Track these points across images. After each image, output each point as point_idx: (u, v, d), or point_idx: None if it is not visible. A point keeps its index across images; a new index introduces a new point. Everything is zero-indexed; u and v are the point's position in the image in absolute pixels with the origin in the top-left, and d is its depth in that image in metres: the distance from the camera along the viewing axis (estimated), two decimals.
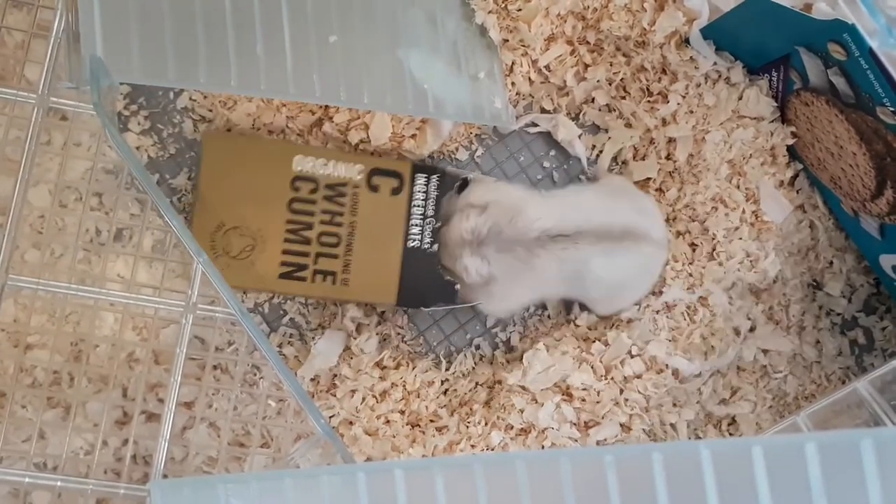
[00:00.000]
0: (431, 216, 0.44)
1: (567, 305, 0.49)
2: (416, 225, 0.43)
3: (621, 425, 0.45)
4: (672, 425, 0.46)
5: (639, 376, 0.46)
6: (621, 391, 0.46)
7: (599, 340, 0.46)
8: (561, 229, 0.43)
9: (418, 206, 0.44)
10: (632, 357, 0.46)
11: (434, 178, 0.44)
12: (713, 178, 0.47)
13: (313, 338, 0.47)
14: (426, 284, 0.44)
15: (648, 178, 0.49)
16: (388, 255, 0.43)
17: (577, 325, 0.48)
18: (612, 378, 0.46)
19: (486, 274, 0.43)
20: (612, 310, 0.47)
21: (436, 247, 0.44)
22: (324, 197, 0.43)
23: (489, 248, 0.43)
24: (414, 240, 0.43)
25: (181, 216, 0.47)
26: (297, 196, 0.43)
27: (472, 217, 0.43)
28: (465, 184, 0.44)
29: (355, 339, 0.47)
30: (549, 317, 0.49)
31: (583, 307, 0.48)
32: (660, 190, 0.49)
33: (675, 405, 0.47)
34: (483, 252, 0.43)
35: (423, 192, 0.44)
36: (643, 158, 0.49)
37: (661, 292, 0.47)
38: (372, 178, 0.43)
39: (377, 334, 0.47)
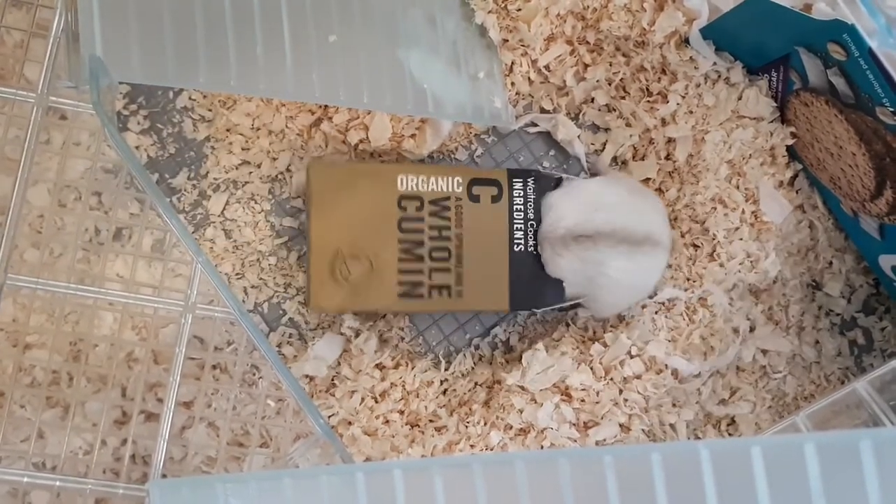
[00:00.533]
0: (532, 219, 0.44)
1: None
2: (520, 229, 0.44)
3: (620, 425, 0.46)
4: (671, 426, 0.46)
5: (638, 377, 0.46)
6: (620, 391, 0.46)
7: (598, 341, 0.46)
8: (584, 229, 0.44)
9: (519, 210, 0.44)
10: (631, 357, 0.46)
11: (530, 181, 0.44)
12: (713, 179, 0.47)
13: (313, 337, 0.47)
14: (535, 286, 0.44)
15: (647, 179, 0.49)
16: (496, 262, 0.44)
17: (575, 325, 0.48)
18: (611, 378, 0.46)
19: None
20: (613, 313, 0.47)
21: (547, 260, 0.44)
22: (430, 213, 0.44)
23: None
24: (518, 244, 0.44)
25: (180, 216, 0.47)
26: (405, 215, 0.43)
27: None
28: (559, 182, 0.45)
29: (354, 340, 0.47)
30: (547, 318, 0.49)
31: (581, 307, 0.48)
32: (659, 190, 0.49)
33: (674, 405, 0.47)
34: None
35: (522, 195, 0.44)
36: (643, 158, 0.49)
37: (654, 294, 0.47)
38: (472, 189, 0.44)
39: (377, 334, 0.47)
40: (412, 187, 0.44)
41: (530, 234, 0.44)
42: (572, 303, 0.45)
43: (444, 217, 0.44)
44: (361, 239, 0.43)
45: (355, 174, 0.44)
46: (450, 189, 0.44)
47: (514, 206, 0.44)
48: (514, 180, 0.44)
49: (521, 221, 0.44)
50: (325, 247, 0.43)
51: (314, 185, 0.43)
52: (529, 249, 0.44)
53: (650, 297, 0.47)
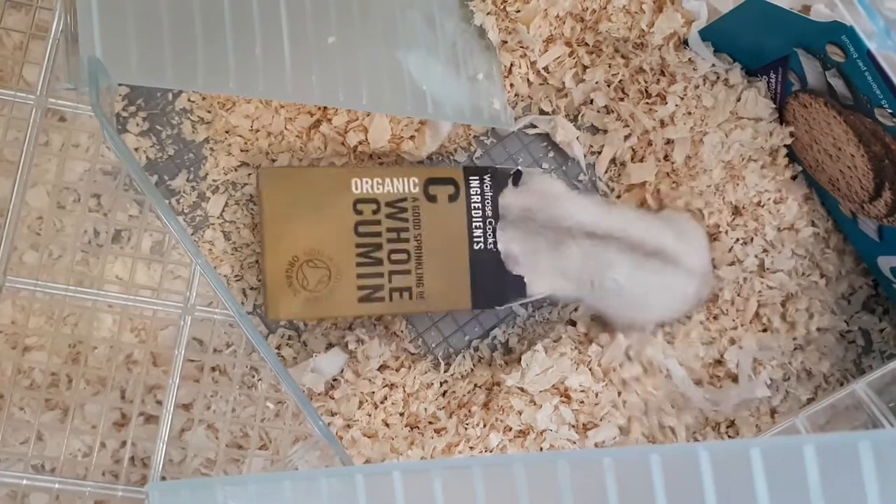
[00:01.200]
0: (491, 216, 0.44)
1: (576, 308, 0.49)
2: (478, 227, 0.44)
3: (619, 427, 0.45)
4: (671, 428, 0.46)
5: (637, 379, 0.46)
6: (619, 393, 0.46)
7: (597, 343, 0.46)
8: (594, 228, 0.44)
9: (477, 208, 0.44)
10: (630, 360, 0.46)
11: (486, 177, 0.44)
12: (710, 179, 0.47)
13: (315, 339, 0.47)
14: (497, 283, 0.44)
15: (644, 182, 0.49)
16: (456, 262, 0.44)
17: (574, 325, 0.48)
18: (610, 380, 0.46)
19: (516, 252, 0.44)
20: (625, 319, 0.47)
21: (500, 246, 0.44)
22: (386, 215, 0.43)
23: (518, 229, 0.43)
24: (478, 242, 0.44)
25: (179, 217, 0.47)
26: (361, 219, 0.43)
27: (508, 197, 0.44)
28: (518, 175, 0.45)
29: (360, 347, 0.47)
30: (546, 319, 0.49)
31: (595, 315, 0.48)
32: (657, 191, 0.49)
33: (673, 407, 0.47)
34: (510, 230, 0.44)
35: (479, 193, 0.44)
36: (641, 160, 0.49)
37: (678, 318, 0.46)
38: (428, 189, 0.44)
39: (377, 336, 0.47)
40: (367, 190, 0.43)
41: (489, 232, 0.44)
42: (535, 298, 0.45)
43: (401, 219, 0.43)
44: (318, 245, 0.42)
45: (308, 179, 0.43)
46: (406, 190, 0.43)
47: (472, 204, 0.44)
48: (471, 178, 0.44)
49: (480, 219, 0.44)
50: (280, 255, 0.42)
51: (265, 192, 0.43)
52: (489, 247, 0.44)
53: (671, 321, 0.47)
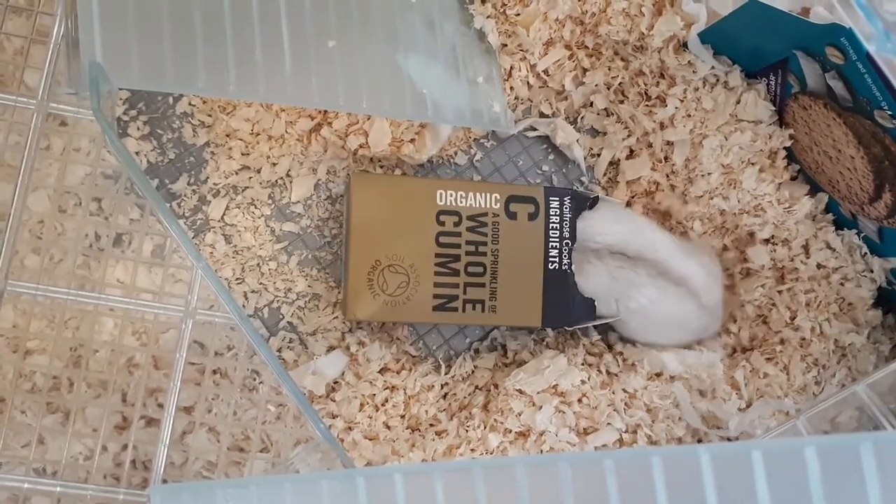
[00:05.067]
0: (568, 237, 0.45)
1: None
2: (555, 247, 0.44)
3: (620, 433, 0.45)
4: (679, 440, 0.46)
5: (644, 387, 0.46)
6: (622, 400, 0.46)
7: (599, 346, 0.46)
8: (623, 248, 0.44)
9: (555, 228, 0.45)
10: (632, 365, 0.46)
11: (567, 199, 0.45)
12: (710, 182, 0.47)
13: (315, 341, 0.47)
14: (568, 304, 0.45)
15: (640, 177, 0.49)
16: (530, 279, 0.44)
17: (610, 351, 0.48)
18: (611, 384, 0.46)
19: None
20: (644, 340, 0.47)
21: (574, 267, 0.44)
22: (467, 228, 0.44)
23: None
24: (553, 262, 0.44)
25: (180, 221, 0.47)
26: (443, 230, 0.44)
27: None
28: (595, 201, 0.45)
29: (361, 349, 0.47)
30: None
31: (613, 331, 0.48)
32: (655, 192, 0.49)
33: (680, 419, 0.46)
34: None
35: (558, 214, 0.45)
36: (634, 157, 0.49)
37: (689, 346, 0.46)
38: (509, 206, 0.45)
39: (377, 339, 0.47)
40: (451, 202, 0.44)
41: (565, 253, 0.45)
42: (604, 321, 0.45)
43: (481, 233, 0.44)
44: (400, 251, 0.44)
45: (396, 187, 0.45)
46: (487, 205, 0.44)
47: (551, 225, 0.45)
48: (551, 198, 0.45)
49: (557, 240, 0.44)
50: (363, 257, 0.44)
51: (355, 196, 0.44)
52: (564, 268, 0.44)
53: (684, 347, 0.47)
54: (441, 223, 0.44)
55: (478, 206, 0.44)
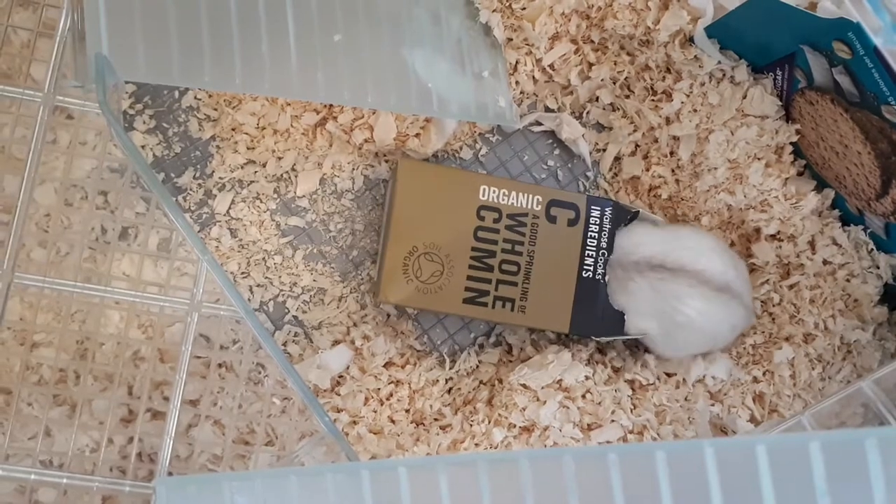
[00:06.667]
0: (605, 248, 0.45)
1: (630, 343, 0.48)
2: (591, 255, 0.44)
3: (626, 429, 0.45)
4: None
5: (653, 385, 0.46)
6: (624, 393, 0.46)
7: (602, 342, 0.46)
8: (662, 261, 0.44)
9: (593, 237, 0.44)
10: (637, 363, 0.46)
11: (608, 210, 0.45)
12: (716, 177, 0.47)
13: (320, 335, 0.47)
14: (599, 315, 0.45)
15: (636, 177, 0.49)
16: (563, 284, 0.44)
17: (645, 367, 0.47)
18: (615, 380, 0.46)
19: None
20: (680, 355, 0.46)
21: (608, 278, 0.44)
22: (506, 226, 0.44)
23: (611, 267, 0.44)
24: (588, 270, 0.44)
25: (186, 215, 0.47)
26: (482, 224, 0.44)
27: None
28: (635, 216, 0.45)
29: (366, 343, 0.47)
30: None
31: (645, 348, 0.47)
32: (659, 189, 0.48)
33: (690, 423, 0.46)
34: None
35: (598, 223, 0.45)
36: (645, 157, 0.49)
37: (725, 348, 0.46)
38: (550, 209, 0.45)
39: (382, 333, 0.47)
40: (493, 199, 0.44)
41: (600, 263, 0.44)
42: (631, 337, 0.45)
43: (519, 232, 0.44)
44: (438, 240, 0.44)
45: (441, 177, 0.45)
46: (529, 206, 0.44)
47: (590, 233, 0.45)
48: (593, 207, 0.45)
49: (594, 248, 0.44)
50: (402, 242, 0.44)
51: (401, 182, 0.44)
52: (597, 277, 0.44)
53: (721, 350, 0.46)
54: (481, 218, 0.44)
55: (519, 205, 0.44)
